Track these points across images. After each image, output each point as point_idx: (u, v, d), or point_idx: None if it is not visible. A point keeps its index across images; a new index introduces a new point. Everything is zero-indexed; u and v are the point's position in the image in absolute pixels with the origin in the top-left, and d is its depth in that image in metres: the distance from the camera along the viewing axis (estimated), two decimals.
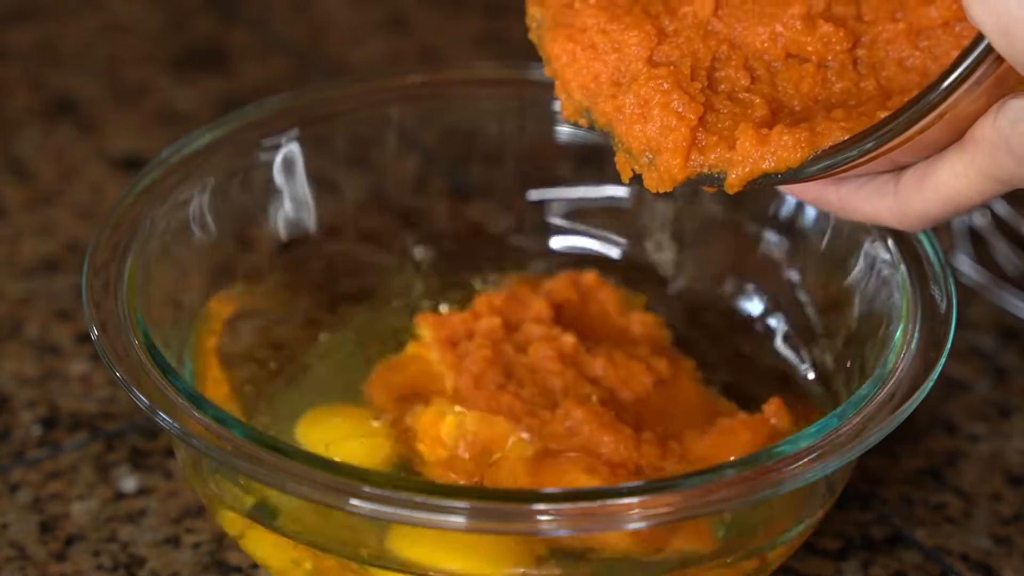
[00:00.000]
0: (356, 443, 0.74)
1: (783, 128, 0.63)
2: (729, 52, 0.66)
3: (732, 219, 0.83)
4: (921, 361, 0.68)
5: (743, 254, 0.83)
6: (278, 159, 0.82)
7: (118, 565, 0.75)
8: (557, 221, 0.86)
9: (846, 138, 0.62)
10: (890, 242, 0.74)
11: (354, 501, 0.62)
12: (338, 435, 0.74)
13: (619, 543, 0.66)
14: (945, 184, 0.62)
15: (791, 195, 0.69)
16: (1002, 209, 0.95)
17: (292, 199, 0.83)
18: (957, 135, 0.61)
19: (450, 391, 0.75)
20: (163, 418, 0.65)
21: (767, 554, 0.69)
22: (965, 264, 0.93)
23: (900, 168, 0.65)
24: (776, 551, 0.69)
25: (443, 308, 0.81)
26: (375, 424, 0.75)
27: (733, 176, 0.64)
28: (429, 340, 0.78)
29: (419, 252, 0.84)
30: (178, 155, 0.78)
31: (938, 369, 0.68)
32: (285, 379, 0.78)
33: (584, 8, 0.67)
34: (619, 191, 0.85)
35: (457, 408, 0.73)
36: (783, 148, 0.63)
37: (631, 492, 0.63)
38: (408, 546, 0.67)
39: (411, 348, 0.78)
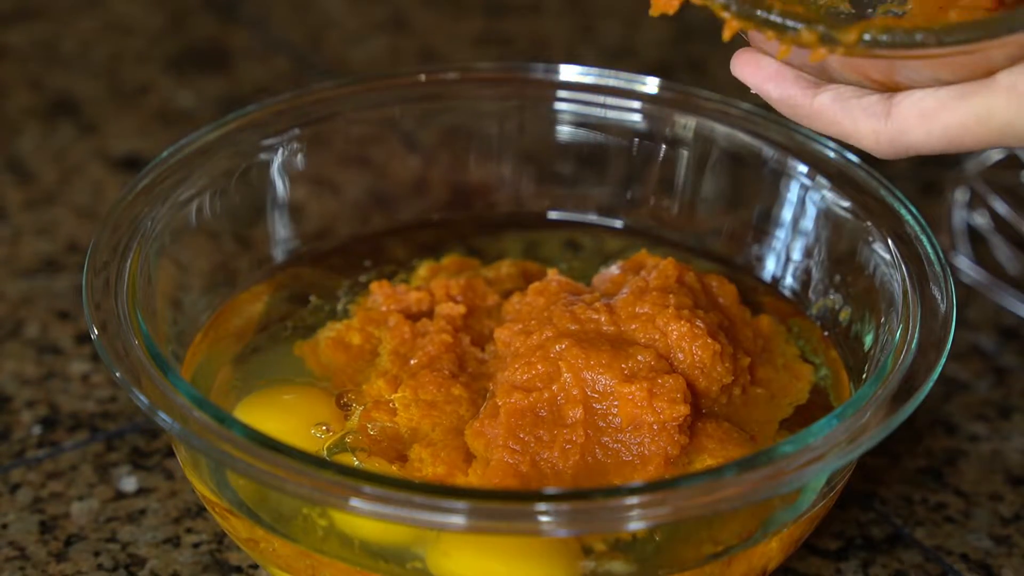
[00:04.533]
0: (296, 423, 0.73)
1: None
2: None
3: (732, 219, 0.83)
4: (921, 361, 0.68)
5: (742, 255, 0.83)
6: (278, 159, 0.82)
7: (118, 565, 0.75)
8: (556, 217, 0.87)
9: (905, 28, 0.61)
10: (890, 242, 0.74)
11: (354, 501, 0.62)
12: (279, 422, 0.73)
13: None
14: (956, 125, 0.61)
15: (761, 93, 0.66)
16: (1002, 209, 0.95)
17: (292, 199, 0.83)
18: (973, 75, 0.61)
19: (394, 368, 0.75)
20: (163, 418, 0.65)
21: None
22: (965, 264, 0.93)
23: (888, 90, 0.63)
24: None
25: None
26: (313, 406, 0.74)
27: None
28: (382, 311, 0.78)
29: (417, 251, 0.84)
30: (178, 155, 0.78)
31: (938, 369, 0.68)
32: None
33: None
34: (618, 189, 0.85)
35: (400, 394, 0.73)
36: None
37: (631, 492, 0.63)
38: (446, 560, 0.67)
39: (357, 318, 0.78)
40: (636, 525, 0.65)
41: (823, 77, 0.65)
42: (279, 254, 0.82)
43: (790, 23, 0.61)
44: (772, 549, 0.69)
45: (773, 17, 0.61)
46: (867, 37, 0.60)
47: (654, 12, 0.64)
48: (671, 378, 0.70)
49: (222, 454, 0.64)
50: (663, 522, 0.66)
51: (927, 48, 0.60)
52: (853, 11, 0.66)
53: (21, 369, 0.86)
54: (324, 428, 0.72)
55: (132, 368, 0.67)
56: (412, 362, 0.75)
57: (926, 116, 0.62)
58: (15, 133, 1.04)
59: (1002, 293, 0.91)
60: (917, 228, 0.75)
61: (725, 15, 0.62)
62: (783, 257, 0.81)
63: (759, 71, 0.66)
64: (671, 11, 0.63)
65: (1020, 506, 0.80)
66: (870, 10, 0.66)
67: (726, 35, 0.63)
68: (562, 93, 0.84)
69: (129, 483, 0.79)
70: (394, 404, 0.72)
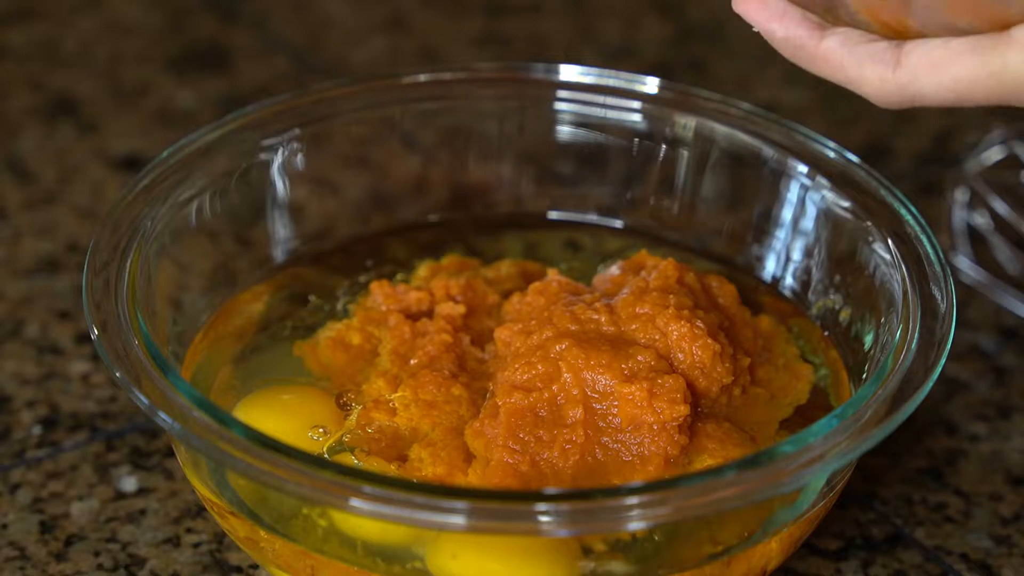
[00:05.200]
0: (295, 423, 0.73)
1: None
2: None
3: (732, 219, 0.83)
4: (921, 361, 0.68)
5: (742, 255, 0.83)
6: (278, 159, 0.82)
7: (118, 565, 0.75)
8: (556, 217, 0.87)
9: None
10: (890, 242, 0.74)
11: (354, 501, 0.62)
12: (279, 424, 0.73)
13: None
14: (967, 78, 0.60)
15: (765, 32, 0.65)
16: (1002, 209, 0.95)
17: (292, 199, 0.83)
18: (987, 27, 0.59)
19: (393, 367, 0.75)
20: (163, 418, 0.65)
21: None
22: (965, 264, 0.93)
23: (897, 37, 0.62)
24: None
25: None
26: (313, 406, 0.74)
27: None
28: (382, 311, 0.78)
29: (418, 251, 0.84)
30: (178, 155, 0.78)
31: (938, 369, 0.68)
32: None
33: None
34: (618, 189, 0.85)
35: (399, 394, 0.73)
36: None
37: (631, 492, 0.63)
38: (446, 560, 0.67)
39: (357, 317, 0.78)
40: (636, 525, 0.65)
41: (830, 18, 0.63)
42: (279, 254, 0.82)
43: None
44: (772, 549, 0.69)
45: None
46: None
47: None
48: (671, 378, 0.70)
49: (222, 454, 0.64)
50: (663, 522, 0.66)
51: None
52: None
53: (21, 369, 0.86)
54: (321, 431, 0.72)
55: (132, 368, 0.67)
56: (412, 362, 0.75)
57: (937, 66, 0.60)
58: (15, 133, 1.04)
59: (1002, 293, 0.91)
60: (917, 228, 0.75)
61: None
62: (783, 257, 0.81)
63: (764, 9, 0.64)
64: None
65: (1020, 506, 0.80)
66: None
67: None
68: (562, 93, 0.84)
69: (129, 483, 0.79)
70: (394, 404, 0.72)
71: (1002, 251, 0.93)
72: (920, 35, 0.61)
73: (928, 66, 0.61)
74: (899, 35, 0.62)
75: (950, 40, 0.60)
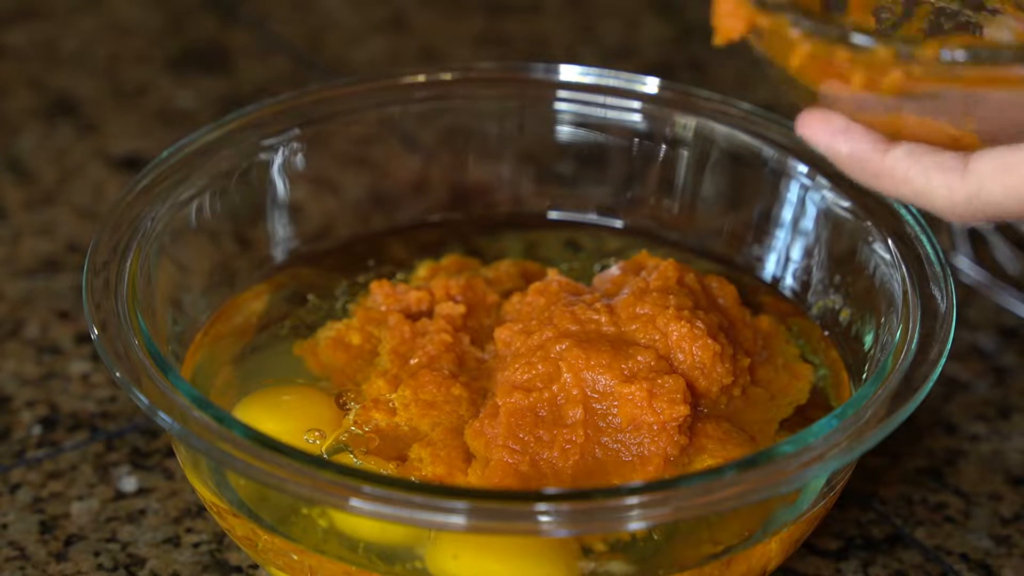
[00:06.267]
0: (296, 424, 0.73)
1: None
2: None
3: (732, 219, 0.83)
4: (921, 361, 0.68)
5: (742, 255, 0.83)
6: (278, 159, 0.82)
7: (118, 565, 0.75)
8: (556, 217, 0.87)
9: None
10: (890, 242, 0.74)
11: (354, 501, 0.62)
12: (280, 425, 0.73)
13: None
14: None
15: (830, 151, 0.63)
16: None
17: (292, 199, 0.83)
18: None
19: (393, 367, 0.75)
20: (163, 418, 0.65)
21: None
22: (965, 264, 0.93)
23: (966, 149, 0.61)
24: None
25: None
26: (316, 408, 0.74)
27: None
28: (383, 310, 0.78)
29: (418, 251, 0.84)
30: (178, 155, 0.78)
31: (938, 369, 0.68)
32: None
33: None
34: (618, 189, 0.85)
35: (399, 393, 0.73)
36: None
37: (631, 492, 0.63)
38: (446, 560, 0.67)
39: (357, 317, 0.78)
40: (636, 525, 0.65)
41: (891, 133, 0.62)
42: (279, 254, 0.82)
43: (863, 40, 0.58)
44: (772, 549, 0.69)
45: (847, 32, 0.58)
46: (946, 55, 0.57)
47: (718, 41, 0.61)
48: (671, 379, 0.70)
49: (222, 454, 0.64)
50: (663, 522, 0.66)
51: (1011, 66, 0.57)
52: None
53: (21, 369, 0.86)
54: (317, 434, 0.72)
55: (132, 368, 0.67)
56: (412, 362, 0.75)
57: (1007, 168, 0.59)
58: (15, 133, 1.04)
59: (1002, 293, 0.91)
60: (917, 228, 0.75)
61: (795, 33, 0.59)
62: (783, 257, 0.81)
63: (828, 126, 0.63)
64: (736, 36, 0.60)
65: (1020, 506, 0.80)
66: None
67: (795, 62, 0.61)
68: (562, 93, 0.84)
69: (129, 483, 0.79)
70: (394, 404, 0.73)
71: (1002, 251, 0.93)
72: (987, 143, 0.60)
73: (997, 169, 0.59)
74: (965, 147, 0.60)
75: (1018, 145, 0.59)
